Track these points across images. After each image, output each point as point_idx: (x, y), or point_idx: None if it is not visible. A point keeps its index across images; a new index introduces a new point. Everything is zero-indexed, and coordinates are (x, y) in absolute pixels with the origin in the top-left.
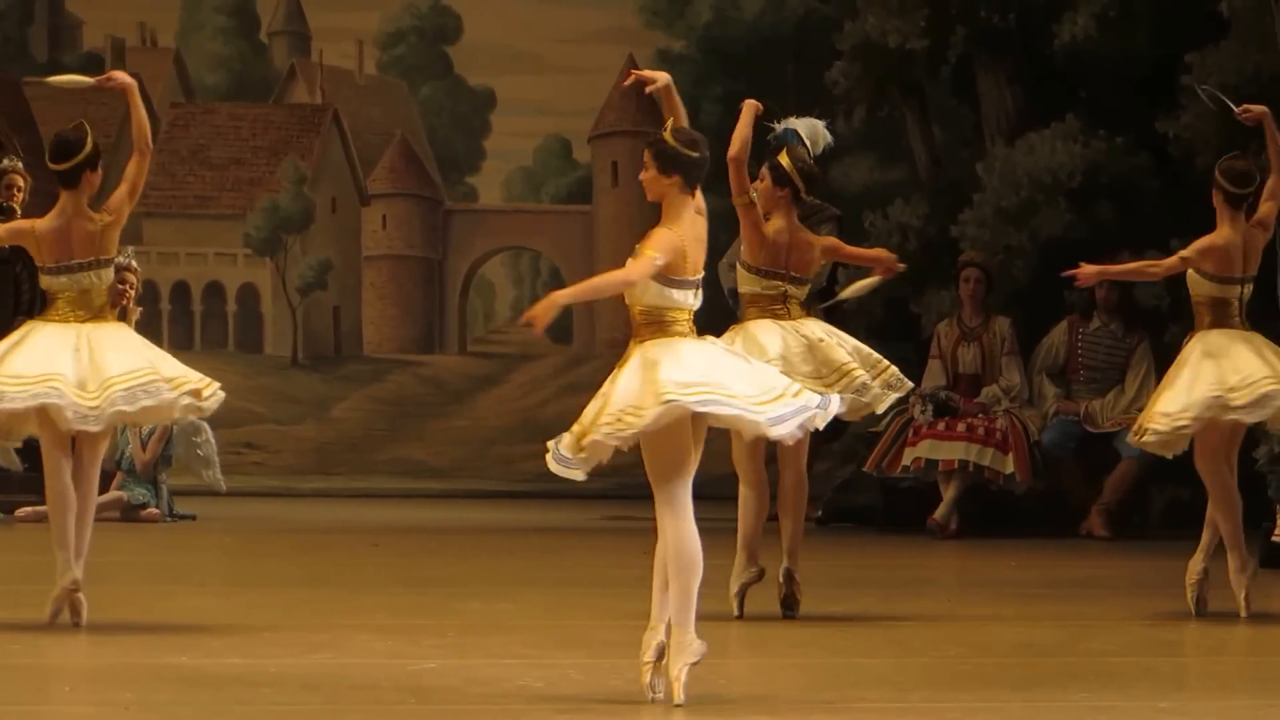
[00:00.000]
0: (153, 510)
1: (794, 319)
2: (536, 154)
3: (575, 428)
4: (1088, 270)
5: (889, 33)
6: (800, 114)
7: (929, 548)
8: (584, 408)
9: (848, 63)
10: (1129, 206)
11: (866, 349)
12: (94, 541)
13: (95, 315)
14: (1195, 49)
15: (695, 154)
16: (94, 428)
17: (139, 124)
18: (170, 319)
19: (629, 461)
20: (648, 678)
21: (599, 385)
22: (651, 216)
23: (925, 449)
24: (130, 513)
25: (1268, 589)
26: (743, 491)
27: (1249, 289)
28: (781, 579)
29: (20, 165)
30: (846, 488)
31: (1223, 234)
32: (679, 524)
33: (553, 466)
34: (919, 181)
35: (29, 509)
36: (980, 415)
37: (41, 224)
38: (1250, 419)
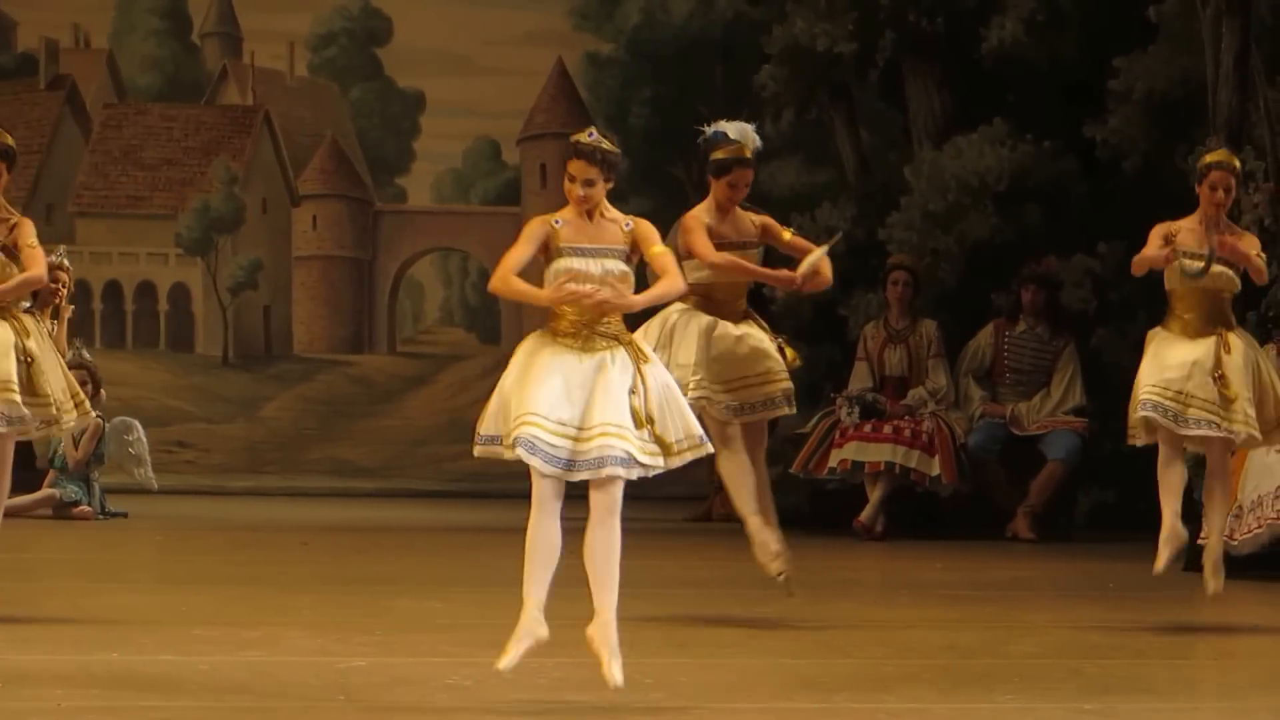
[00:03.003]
0: (85, 508)
1: None
2: (466, 156)
3: None
4: None
5: (817, 36)
6: (729, 117)
7: (855, 549)
8: None
9: (776, 66)
10: (1056, 210)
11: None
12: (25, 538)
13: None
14: (1123, 54)
15: None
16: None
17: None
18: (102, 318)
19: None
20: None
21: None
22: None
23: (851, 451)
24: (62, 510)
25: (1191, 592)
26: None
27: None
28: None
29: None
30: (773, 489)
31: None
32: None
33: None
34: (847, 184)
35: None
36: (906, 417)
37: None
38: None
